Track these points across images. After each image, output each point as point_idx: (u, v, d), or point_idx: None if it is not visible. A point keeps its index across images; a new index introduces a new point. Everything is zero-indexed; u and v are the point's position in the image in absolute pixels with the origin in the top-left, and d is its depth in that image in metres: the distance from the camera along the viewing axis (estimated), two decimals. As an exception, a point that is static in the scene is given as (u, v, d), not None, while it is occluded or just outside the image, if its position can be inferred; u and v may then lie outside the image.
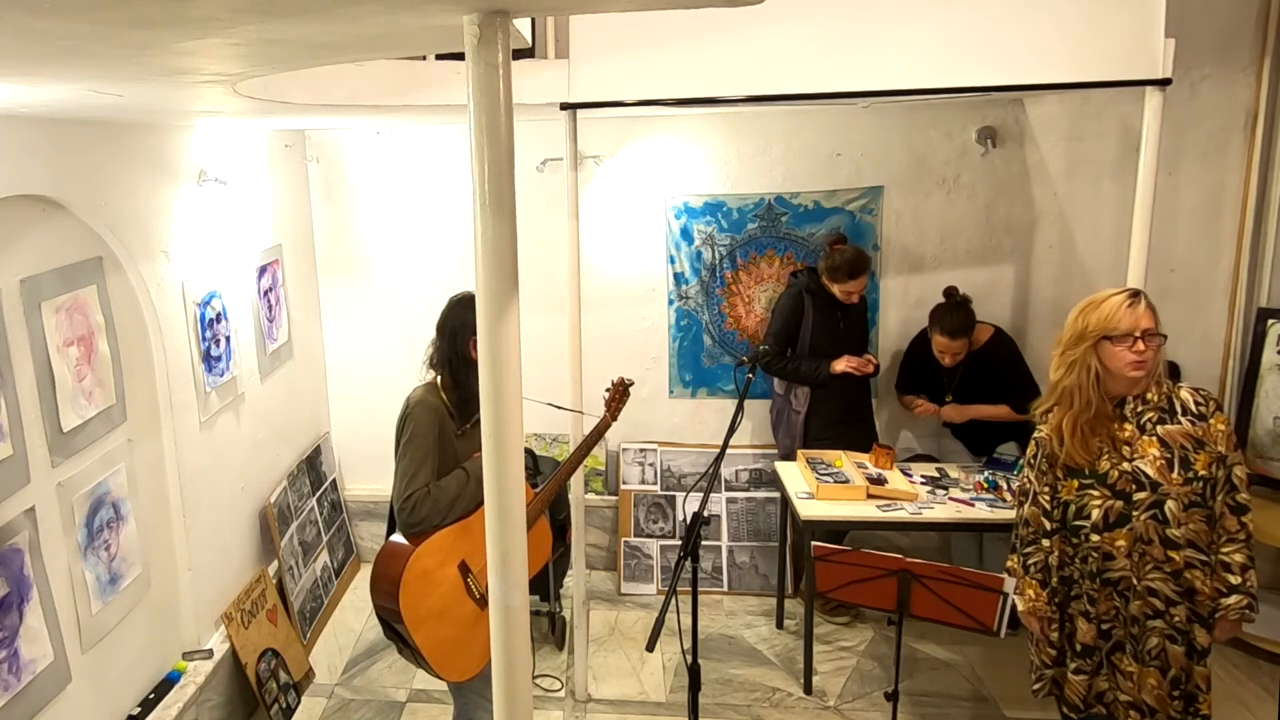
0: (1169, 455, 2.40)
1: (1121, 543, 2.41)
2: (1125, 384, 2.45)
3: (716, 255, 4.63)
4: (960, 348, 3.90)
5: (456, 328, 2.64)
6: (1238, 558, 2.39)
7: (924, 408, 4.08)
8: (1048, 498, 2.57)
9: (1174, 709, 2.45)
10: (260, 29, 1.22)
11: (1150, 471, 2.39)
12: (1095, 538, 2.45)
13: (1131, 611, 2.44)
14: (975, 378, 3.99)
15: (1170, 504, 2.37)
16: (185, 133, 3.38)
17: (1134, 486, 2.41)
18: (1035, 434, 2.63)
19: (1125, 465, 2.42)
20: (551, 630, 4.22)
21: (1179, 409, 2.44)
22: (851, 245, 4.12)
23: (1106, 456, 2.45)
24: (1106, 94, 4.04)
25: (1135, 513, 2.39)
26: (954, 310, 3.90)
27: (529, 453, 4.02)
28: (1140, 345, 2.38)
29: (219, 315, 3.58)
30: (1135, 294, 2.44)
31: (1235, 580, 2.38)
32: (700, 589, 2.78)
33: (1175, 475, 2.37)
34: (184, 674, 3.29)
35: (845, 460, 3.94)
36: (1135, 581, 2.42)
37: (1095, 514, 2.44)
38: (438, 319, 2.70)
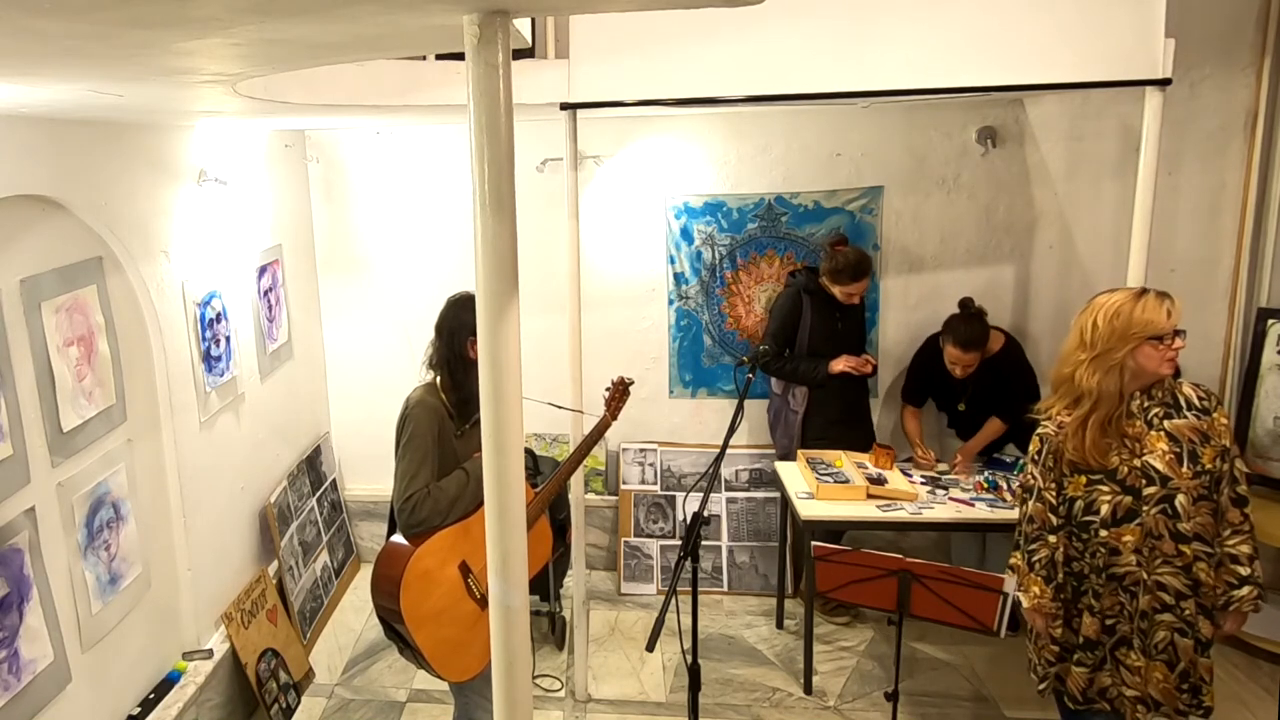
0: (1178, 450, 2.41)
1: (1129, 538, 2.42)
2: (1148, 381, 2.46)
3: (716, 255, 4.63)
4: (973, 360, 3.87)
5: (454, 328, 2.64)
6: (1244, 549, 2.41)
7: (921, 457, 4.03)
8: (1053, 493, 2.58)
9: (1181, 701, 2.46)
10: (260, 29, 1.22)
11: (1160, 466, 2.40)
12: (1104, 533, 2.45)
13: (1140, 606, 2.45)
14: (987, 386, 3.96)
15: (1180, 498, 2.38)
16: (185, 133, 3.38)
17: (1144, 481, 2.41)
18: (1039, 430, 2.62)
19: (1135, 461, 2.43)
20: (551, 630, 4.22)
21: (1183, 404, 2.45)
22: (854, 247, 4.11)
23: (1115, 452, 2.46)
24: (1106, 94, 4.04)
25: (1145, 508, 2.40)
26: (968, 322, 3.86)
27: (529, 453, 4.02)
28: (1178, 342, 2.41)
29: (219, 315, 3.58)
30: (1157, 292, 2.45)
31: (1245, 571, 2.41)
32: (700, 589, 2.78)
33: (1185, 469, 2.39)
34: (184, 674, 3.29)
35: (845, 460, 3.94)
36: (1145, 576, 2.43)
37: (1104, 509, 2.45)
38: (436, 319, 2.70)
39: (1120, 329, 2.41)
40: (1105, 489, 2.46)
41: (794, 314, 4.15)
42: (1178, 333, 2.41)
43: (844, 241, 4.13)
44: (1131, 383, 2.46)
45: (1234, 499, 2.43)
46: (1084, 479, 2.50)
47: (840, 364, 4.02)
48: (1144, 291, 2.46)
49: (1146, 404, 2.46)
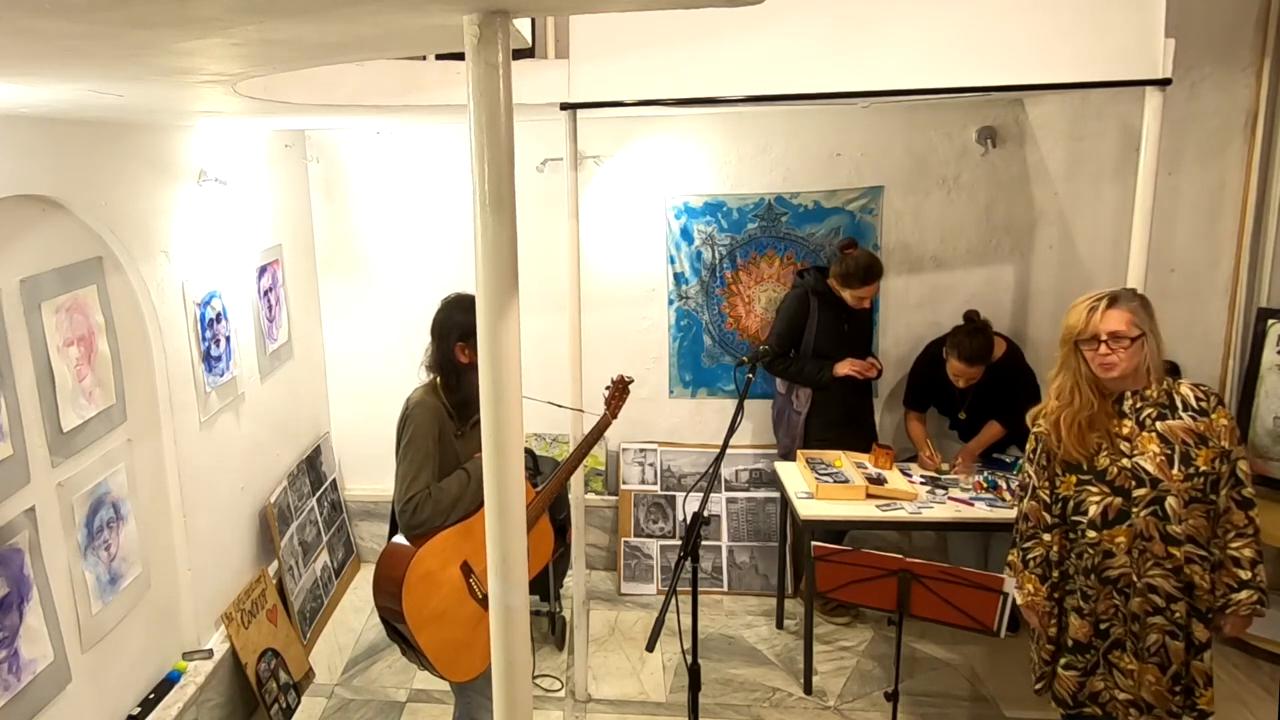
0: (1169, 451, 2.40)
1: (1121, 539, 2.42)
2: (1112, 382, 2.45)
3: (716, 255, 4.63)
4: (976, 374, 3.85)
5: (445, 331, 2.63)
6: (1247, 553, 2.39)
7: (928, 459, 3.99)
8: (1047, 492, 2.58)
9: (1174, 704, 2.45)
10: (260, 29, 1.22)
11: (1150, 467, 2.40)
12: (1093, 534, 2.45)
13: (1132, 609, 2.44)
14: (988, 394, 3.95)
15: (1171, 500, 2.37)
16: (185, 133, 3.38)
17: (1133, 483, 2.41)
18: (1034, 429, 2.64)
19: (1125, 461, 2.43)
20: (551, 630, 4.22)
21: (1179, 404, 2.44)
22: (864, 250, 4.09)
23: (1105, 453, 2.45)
24: (1106, 94, 4.04)
25: (1135, 509, 2.40)
26: (973, 335, 3.83)
27: (529, 453, 4.02)
28: (1104, 349, 2.39)
29: (219, 315, 3.58)
30: (1105, 298, 2.44)
31: (1245, 575, 2.38)
32: (700, 589, 2.78)
33: (1175, 471, 2.38)
34: (184, 674, 3.29)
35: (845, 460, 3.94)
36: (1135, 579, 2.42)
37: (1093, 510, 2.45)
38: (431, 321, 2.70)
39: (1063, 332, 2.51)
40: (1094, 489, 2.46)
41: (801, 315, 4.14)
42: (1116, 339, 2.38)
43: (853, 245, 4.11)
44: (1102, 382, 2.46)
45: (1238, 501, 2.40)
46: (1074, 479, 2.50)
47: (845, 368, 4.02)
48: (1091, 296, 2.48)
49: (1139, 404, 2.45)
